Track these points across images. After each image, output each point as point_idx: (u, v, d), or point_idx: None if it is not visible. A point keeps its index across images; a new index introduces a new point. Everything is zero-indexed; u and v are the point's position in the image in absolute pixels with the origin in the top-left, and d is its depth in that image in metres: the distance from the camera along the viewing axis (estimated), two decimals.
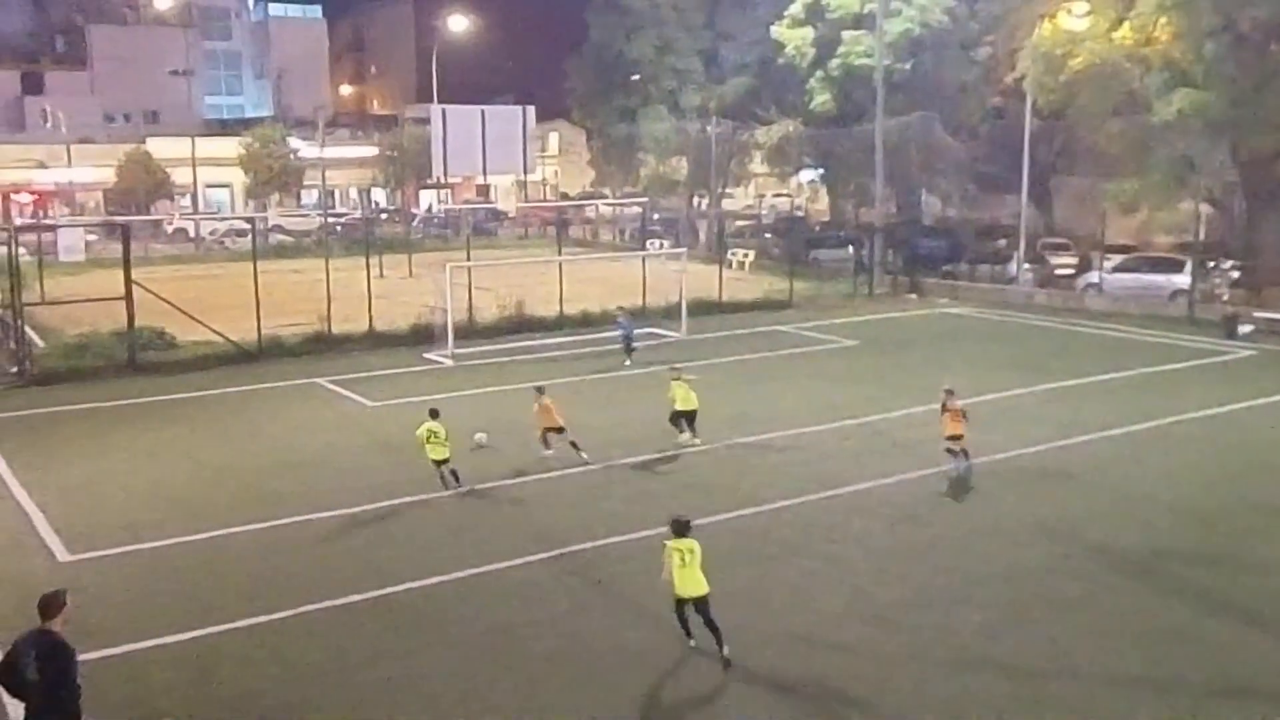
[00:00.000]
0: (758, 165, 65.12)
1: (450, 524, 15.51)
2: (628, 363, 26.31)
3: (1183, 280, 34.32)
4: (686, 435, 19.19)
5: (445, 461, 16.60)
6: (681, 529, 11.33)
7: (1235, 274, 35.24)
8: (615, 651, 11.47)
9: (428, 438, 16.53)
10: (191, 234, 62.36)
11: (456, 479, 16.67)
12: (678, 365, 20.25)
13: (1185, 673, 10.91)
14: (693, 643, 11.43)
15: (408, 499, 16.41)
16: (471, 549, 14.34)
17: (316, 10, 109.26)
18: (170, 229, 63.21)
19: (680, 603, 11.32)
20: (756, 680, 10.83)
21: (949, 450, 17.27)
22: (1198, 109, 33.07)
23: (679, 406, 19.10)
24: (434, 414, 16.85)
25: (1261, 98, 33.00)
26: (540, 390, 18.49)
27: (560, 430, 18.07)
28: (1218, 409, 21.63)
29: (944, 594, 12.87)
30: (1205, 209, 37.63)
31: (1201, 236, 36.12)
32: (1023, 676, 10.88)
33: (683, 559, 11.14)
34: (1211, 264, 35.52)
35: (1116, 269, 37.32)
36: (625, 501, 16.30)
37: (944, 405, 17.48)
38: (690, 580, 11.15)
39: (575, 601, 12.73)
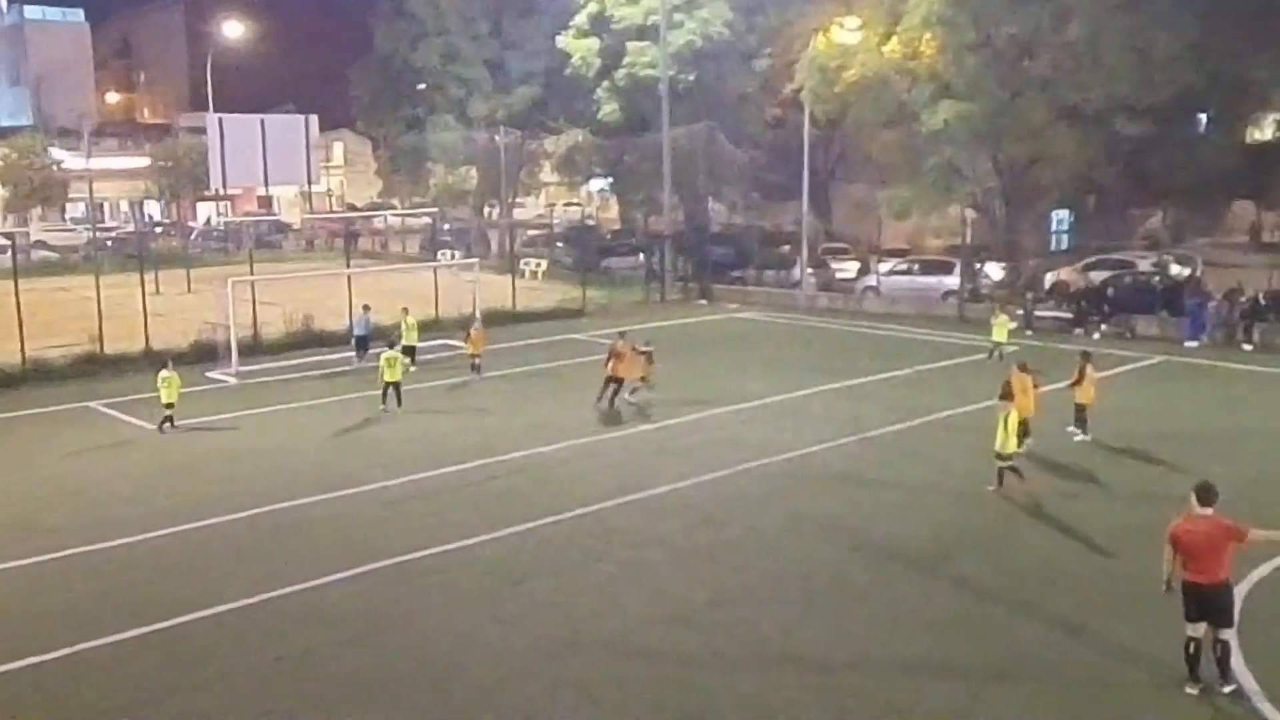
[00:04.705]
0: (548, 175, 65.23)
1: (237, 549, 14.89)
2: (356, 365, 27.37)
3: (952, 281, 36.27)
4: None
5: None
6: (392, 346, 23.41)
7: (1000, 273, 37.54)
8: (420, 669, 11.26)
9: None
10: None
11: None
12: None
13: (968, 657, 11.47)
14: (383, 408, 22.18)
15: (192, 525, 15.68)
16: (261, 573, 13.80)
17: (78, 13, 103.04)
18: None
19: (387, 384, 22.28)
20: (563, 688, 10.81)
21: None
22: (961, 119, 34.97)
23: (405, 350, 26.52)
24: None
25: (1017, 108, 35.23)
26: None
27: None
28: (987, 402, 22.87)
29: (743, 592, 13.18)
30: (970, 214, 39.83)
31: (968, 239, 38.20)
32: (820, 669, 11.24)
33: (390, 362, 22.24)
34: (978, 265, 37.66)
35: (892, 272, 39.11)
36: (422, 517, 16.02)
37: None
38: (391, 374, 22.16)
39: (374, 621, 12.42)
